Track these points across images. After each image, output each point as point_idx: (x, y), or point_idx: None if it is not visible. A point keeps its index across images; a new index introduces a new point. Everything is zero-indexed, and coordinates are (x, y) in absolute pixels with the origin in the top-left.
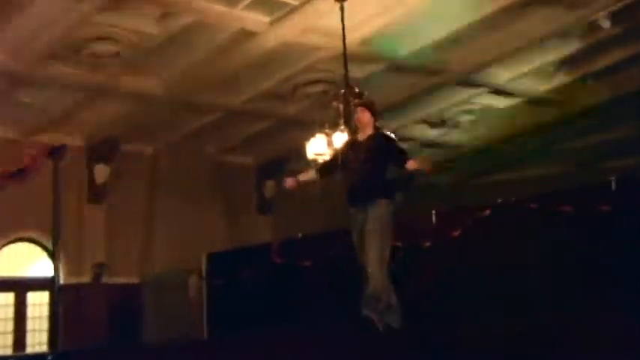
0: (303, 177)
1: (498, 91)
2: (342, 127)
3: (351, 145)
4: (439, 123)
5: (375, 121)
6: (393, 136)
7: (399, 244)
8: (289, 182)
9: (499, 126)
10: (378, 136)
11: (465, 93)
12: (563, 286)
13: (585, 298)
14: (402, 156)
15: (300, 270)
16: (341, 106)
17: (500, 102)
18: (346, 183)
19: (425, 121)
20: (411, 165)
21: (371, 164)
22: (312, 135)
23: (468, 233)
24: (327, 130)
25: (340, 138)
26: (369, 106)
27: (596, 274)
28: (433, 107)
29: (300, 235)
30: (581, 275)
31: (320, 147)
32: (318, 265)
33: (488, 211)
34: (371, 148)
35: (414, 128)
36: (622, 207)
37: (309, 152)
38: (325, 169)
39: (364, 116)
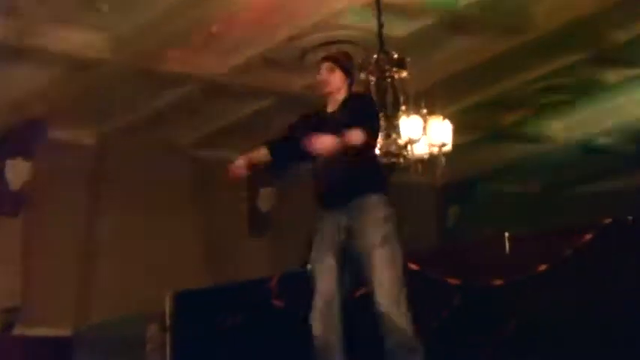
0: (256, 156)
1: (610, 59)
2: None
3: (313, 120)
4: (518, 105)
5: (350, 81)
6: (368, 95)
7: (455, 281)
8: (236, 165)
9: (606, 112)
10: (352, 99)
11: (557, 61)
12: None
13: None
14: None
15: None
16: (372, 79)
17: (613, 74)
18: (315, 179)
19: (497, 103)
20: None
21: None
22: None
23: (559, 267)
24: None
25: None
26: (340, 61)
27: None
28: (509, 82)
29: (310, 266)
30: None
31: None
32: None
33: (590, 236)
34: (344, 120)
35: (481, 112)
36: None
37: None
38: (279, 148)
39: (333, 78)
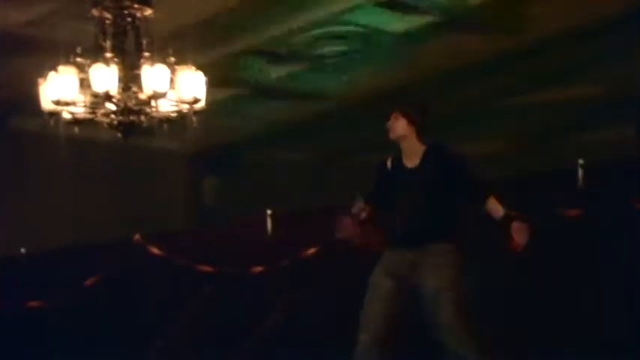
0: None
1: (393, 3)
2: (109, 55)
3: (395, 173)
4: (284, 56)
5: (417, 127)
6: (449, 148)
7: (207, 269)
8: (346, 229)
9: (395, 65)
10: (431, 152)
11: (332, 5)
12: None
13: None
14: (479, 189)
15: None
16: (108, 17)
17: (397, 22)
18: (395, 217)
19: (264, 52)
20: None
21: (427, 197)
22: (52, 68)
23: (330, 250)
24: (78, 59)
25: (103, 74)
26: (406, 112)
27: None
28: (276, 28)
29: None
30: None
31: (66, 88)
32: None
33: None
34: (424, 173)
35: (243, 63)
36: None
37: (45, 98)
38: (379, 201)
39: (397, 126)
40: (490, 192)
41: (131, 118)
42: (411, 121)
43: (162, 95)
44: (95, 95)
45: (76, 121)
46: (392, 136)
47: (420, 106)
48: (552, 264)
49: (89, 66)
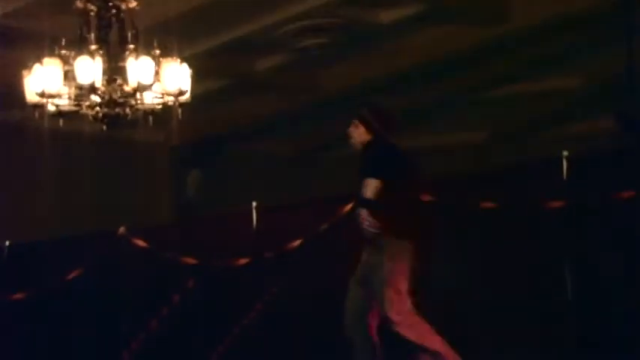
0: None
1: None
2: (93, 47)
3: None
4: (269, 48)
5: (375, 134)
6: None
7: (192, 261)
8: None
9: (379, 57)
10: (369, 144)
11: None
12: None
13: None
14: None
15: None
16: (92, 9)
17: (381, 14)
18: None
19: (247, 46)
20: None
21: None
22: (37, 60)
23: (315, 242)
24: (63, 52)
25: (88, 66)
26: (365, 120)
27: None
28: (259, 20)
29: None
30: None
31: (51, 80)
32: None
33: (350, 206)
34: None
35: (227, 56)
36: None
37: (30, 90)
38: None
39: (356, 132)
40: (368, 176)
41: (116, 110)
42: (370, 129)
43: (147, 87)
44: (80, 87)
45: (60, 114)
46: (351, 142)
47: (379, 114)
48: (536, 255)
49: (74, 58)
